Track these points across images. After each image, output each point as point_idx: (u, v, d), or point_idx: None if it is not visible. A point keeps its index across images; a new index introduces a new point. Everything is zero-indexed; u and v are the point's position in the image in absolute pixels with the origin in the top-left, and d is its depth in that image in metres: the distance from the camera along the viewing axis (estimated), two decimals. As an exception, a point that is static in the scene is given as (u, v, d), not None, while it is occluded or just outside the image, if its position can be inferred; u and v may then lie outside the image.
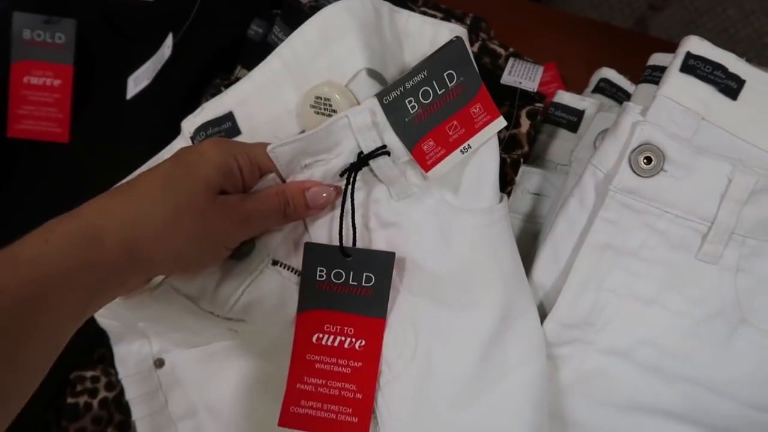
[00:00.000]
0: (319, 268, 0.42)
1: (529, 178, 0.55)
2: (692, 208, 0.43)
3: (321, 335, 0.42)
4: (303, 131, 0.48)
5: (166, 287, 0.44)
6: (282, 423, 0.41)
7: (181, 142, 0.54)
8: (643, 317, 0.45)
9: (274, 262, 0.45)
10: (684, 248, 0.44)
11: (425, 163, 0.42)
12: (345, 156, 0.43)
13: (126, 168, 0.51)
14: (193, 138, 0.51)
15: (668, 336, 0.45)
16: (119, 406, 0.56)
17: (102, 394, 0.55)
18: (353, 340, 0.42)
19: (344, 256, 0.42)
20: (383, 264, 0.42)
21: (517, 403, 0.43)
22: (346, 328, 0.42)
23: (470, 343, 0.44)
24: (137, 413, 0.53)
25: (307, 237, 0.46)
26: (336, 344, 0.42)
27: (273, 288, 0.45)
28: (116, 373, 0.55)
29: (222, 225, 0.39)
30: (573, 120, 0.57)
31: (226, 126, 0.50)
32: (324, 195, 0.43)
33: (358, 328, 0.42)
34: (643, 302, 0.45)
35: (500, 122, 0.43)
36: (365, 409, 0.41)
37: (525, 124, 0.50)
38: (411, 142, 0.42)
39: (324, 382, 0.41)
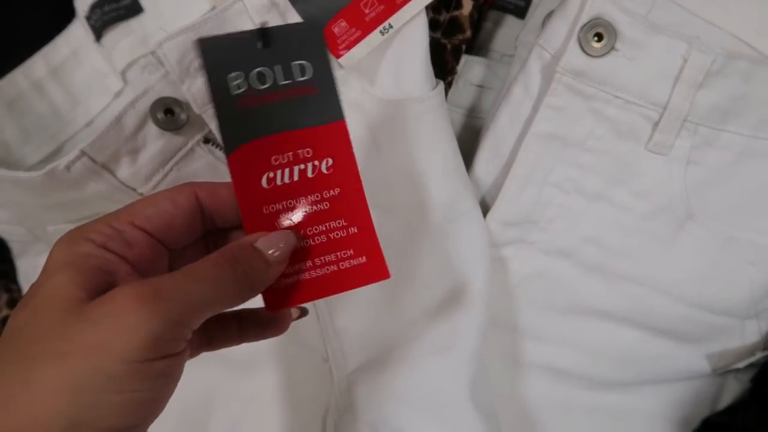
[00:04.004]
0: (231, 75, 0.29)
1: (471, 68, 0.51)
2: (644, 92, 0.40)
3: (272, 174, 0.30)
4: (214, 8, 0.42)
5: (84, 159, 0.37)
6: (272, 307, 0.30)
7: (77, 26, 0.47)
8: (588, 214, 0.43)
9: (206, 140, 0.40)
10: (633, 138, 0.41)
11: (336, 47, 0.37)
12: None
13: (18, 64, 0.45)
14: (88, 18, 0.44)
15: (612, 233, 0.43)
16: (26, 324, 0.51)
17: (3, 312, 0.50)
18: (316, 163, 0.30)
19: (262, 42, 0.30)
20: (312, 41, 0.30)
21: (462, 307, 0.42)
22: (301, 152, 0.30)
23: (412, 248, 0.41)
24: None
25: None
26: (297, 178, 0.30)
27: (202, 167, 0.41)
28: (19, 290, 0.50)
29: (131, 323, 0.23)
30: (520, 5, 0.52)
31: (125, 2, 0.43)
32: (280, 240, 0.28)
33: (316, 144, 0.30)
34: (588, 198, 0.43)
35: None
36: (369, 240, 0.31)
37: (467, 5, 0.45)
38: (319, 23, 0.36)
39: (302, 232, 0.30)
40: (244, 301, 0.26)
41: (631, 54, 0.39)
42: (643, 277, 0.43)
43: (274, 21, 0.36)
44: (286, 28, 0.30)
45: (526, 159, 0.42)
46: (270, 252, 0.27)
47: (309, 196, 0.30)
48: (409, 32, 0.39)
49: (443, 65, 0.46)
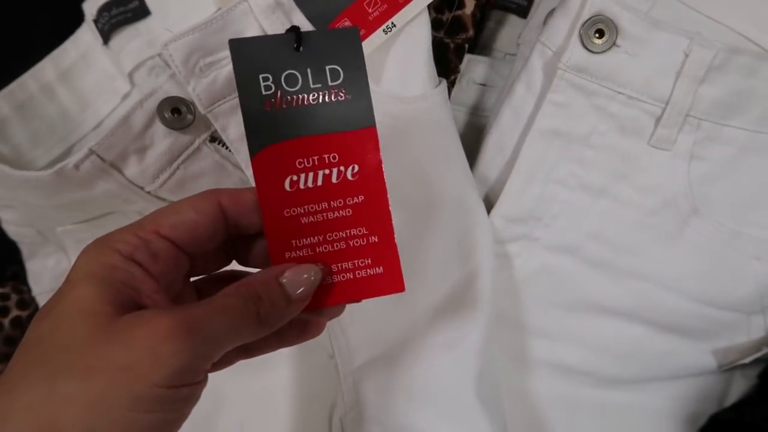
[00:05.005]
0: (261, 77, 0.29)
1: (474, 67, 0.51)
2: (646, 87, 0.40)
3: (295, 177, 0.30)
4: (219, 9, 0.43)
5: (92, 158, 0.38)
6: None
7: (86, 30, 0.48)
8: (592, 210, 0.43)
9: (213, 139, 0.40)
10: (636, 133, 0.41)
11: None
12: None
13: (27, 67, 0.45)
14: (96, 21, 0.45)
15: (617, 229, 0.43)
16: (36, 325, 0.52)
17: (14, 312, 0.50)
18: (342, 169, 0.30)
19: (296, 46, 0.29)
20: (348, 46, 0.30)
21: (468, 304, 0.42)
22: (326, 156, 0.30)
23: (416, 245, 0.41)
24: (54, 332, 0.49)
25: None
26: (320, 183, 0.30)
27: (209, 166, 0.41)
28: (29, 291, 0.51)
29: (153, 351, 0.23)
30: (522, 4, 0.52)
31: (132, 5, 0.44)
32: (305, 276, 0.28)
33: (342, 150, 0.30)
34: (592, 194, 0.43)
35: None
36: (388, 251, 0.31)
37: (470, 4, 0.46)
38: (323, 23, 0.37)
39: (321, 238, 0.30)
40: (260, 336, 0.27)
41: (632, 50, 0.39)
42: (648, 273, 0.43)
43: (279, 21, 0.37)
44: (321, 33, 0.30)
45: (529, 155, 0.42)
46: (294, 290, 0.27)
47: (331, 202, 0.30)
48: (412, 31, 0.40)
49: (446, 64, 0.47)
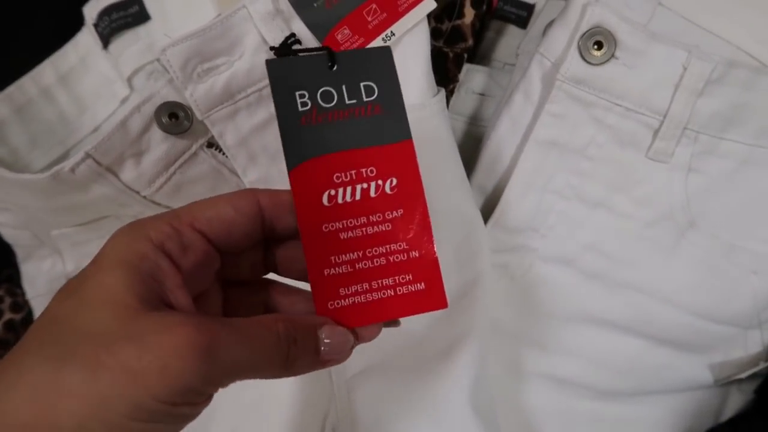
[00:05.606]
0: (297, 93, 0.29)
1: (473, 77, 0.51)
2: (644, 99, 0.40)
3: (333, 191, 0.29)
4: (219, 15, 0.43)
5: (88, 162, 0.38)
6: None
7: (86, 33, 0.48)
8: (589, 221, 0.43)
9: (209, 145, 0.40)
10: (634, 145, 0.41)
11: None
12: (249, 56, 0.37)
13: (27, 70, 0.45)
14: (96, 25, 0.45)
15: (614, 241, 0.43)
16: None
17: (7, 315, 0.50)
18: (380, 182, 0.29)
19: (330, 65, 0.30)
20: (381, 64, 0.30)
21: (462, 313, 0.41)
22: (364, 170, 0.29)
23: None
24: (48, 335, 0.48)
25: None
26: (358, 197, 0.29)
27: (205, 172, 0.41)
28: (23, 294, 0.50)
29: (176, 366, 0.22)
30: (522, 15, 0.52)
31: (132, 10, 0.44)
32: (343, 340, 0.27)
33: (380, 163, 0.30)
34: (588, 205, 0.43)
35: (429, 4, 0.38)
36: (429, 266, 0.29)
37: (469, 14, 0.46)
38: (322, 31, 0.37)
39: (361, 253, 0.29)
40: (275, 378, 0.26)
41: (630, 62, 0.39)
42: (645, 286, 0.43)
43: (278, 28, 0.37)
44: (355, 52, 0.30)
45: (526, 165, 0.42)
46: (327, 347, 0.26)
47: (370, 216, 0.29)
48: (411, 40, 0.40)
49: (445, 73, 0.47)
